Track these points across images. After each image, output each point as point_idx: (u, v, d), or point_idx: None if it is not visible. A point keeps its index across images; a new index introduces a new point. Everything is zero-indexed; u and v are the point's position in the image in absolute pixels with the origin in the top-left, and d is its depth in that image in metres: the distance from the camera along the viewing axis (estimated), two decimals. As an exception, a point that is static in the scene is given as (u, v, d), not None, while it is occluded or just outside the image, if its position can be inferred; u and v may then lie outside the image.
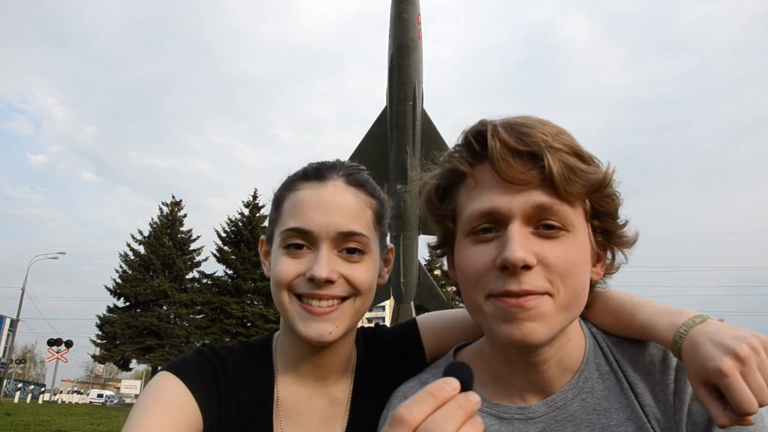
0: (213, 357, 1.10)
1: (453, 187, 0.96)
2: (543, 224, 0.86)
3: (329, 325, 1.03)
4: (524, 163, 0.86)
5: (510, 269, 0.83)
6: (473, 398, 0.56)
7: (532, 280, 0.83)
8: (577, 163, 0.86)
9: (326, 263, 1.01)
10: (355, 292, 1.05)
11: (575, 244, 0.87)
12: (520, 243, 0.83)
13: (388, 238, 1.21)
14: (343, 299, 1.05)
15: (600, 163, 0.92)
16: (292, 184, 1.10)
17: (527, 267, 0.83)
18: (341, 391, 1.16)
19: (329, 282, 1.02)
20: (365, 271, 1.06)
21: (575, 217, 0.87)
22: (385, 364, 1.22)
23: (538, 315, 0.84)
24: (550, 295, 0.84)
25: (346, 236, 1.03)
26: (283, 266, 1.04)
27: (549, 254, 0.84)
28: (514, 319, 0.84)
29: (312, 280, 1.01)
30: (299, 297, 1.04)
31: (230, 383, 1.08)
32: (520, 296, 0.83)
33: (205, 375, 1.06)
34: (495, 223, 0.88)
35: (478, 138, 0.91)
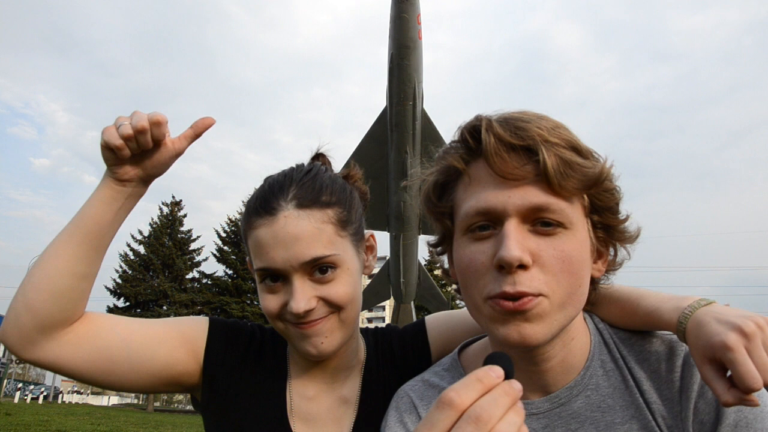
0: (258, 330, 1.23)
1: (450, 184, 0.95)
2: (540, 221, 0.85)
3: (320, 336, 1.06)
4: (519, 158, 0.84)
5: (506, 268, 0.82)
6: (516, 386, 0.56)
7: (528, 281, 0.82)
8: (574, 157, 0.84)
9: (301, 296, 1.03)
10: (336, 308, 1.07)
11: (573, 241, 0.85)
12: (516, 241, 0.82)
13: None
14: (329, 314, 1.07)
15: (599, 158, 0.90)
16: (248, 221, 1.09)
17: (523, 266, 0.82)
18: (350, 389, 1.19)
19: (309, 311, 1.04)
20: (342, 286, 1.06)
21: (573, 212, 0.86)
22: (393, 363, 1.24)
23: (535, 316, 0.83)
24: (545, 296, 0.83)
25: (311, 263, 1.03)
26: (266, 303, 1.08)
27: (545, 252, 0.83)
28: (511, 322, 0.84)
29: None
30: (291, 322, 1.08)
31: (258, 358, 1.18)
32: (517, 298, 0.82)
33: (235, 340, 1.18)
34: (491, 221, 0.86)
35: (473, 133, 0.89)
